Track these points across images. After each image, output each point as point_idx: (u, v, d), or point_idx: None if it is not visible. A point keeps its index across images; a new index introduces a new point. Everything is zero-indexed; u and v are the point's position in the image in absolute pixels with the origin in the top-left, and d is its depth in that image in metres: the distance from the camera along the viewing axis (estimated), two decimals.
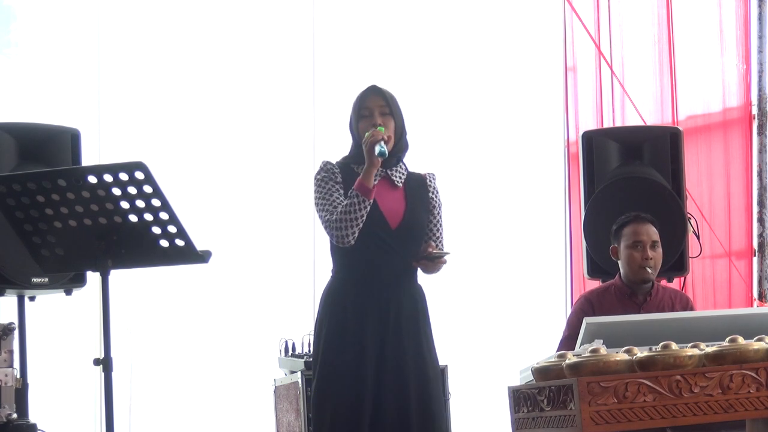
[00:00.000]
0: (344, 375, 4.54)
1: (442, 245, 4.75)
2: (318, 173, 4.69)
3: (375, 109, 4.66)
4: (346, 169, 4.69)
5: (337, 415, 4.52)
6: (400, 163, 4.75)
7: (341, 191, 4.62)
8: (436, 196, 4.78)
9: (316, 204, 4.65)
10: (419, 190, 4.73)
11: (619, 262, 5.57)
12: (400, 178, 4.73)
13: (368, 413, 4.52)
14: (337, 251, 4.67)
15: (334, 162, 4.72)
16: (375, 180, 4.61)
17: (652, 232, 5.53)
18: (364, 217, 4.54)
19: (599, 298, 5.55)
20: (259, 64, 7.25)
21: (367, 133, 4.59)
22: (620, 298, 5.52)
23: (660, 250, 5.54)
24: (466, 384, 6.72)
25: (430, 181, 4.79)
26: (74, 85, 6.96)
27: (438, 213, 4.76)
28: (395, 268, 4.64)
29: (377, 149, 4.54)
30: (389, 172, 4.67)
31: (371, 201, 4.56)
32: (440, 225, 4.78)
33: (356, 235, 4.54)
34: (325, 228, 4.60)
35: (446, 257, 4.68)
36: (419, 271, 4.72)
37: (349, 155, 4.74)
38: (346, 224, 4.52)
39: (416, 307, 4.66)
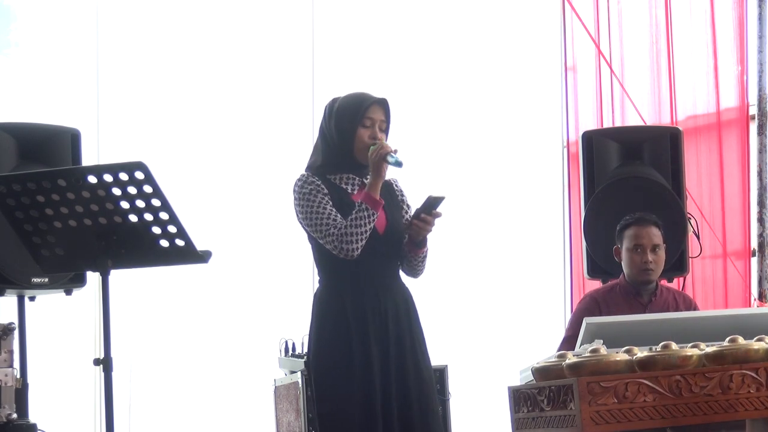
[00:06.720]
0: (353, 382, 4.49)
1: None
2: (302, 186, 4.58)
3: (377, 122, 4.59)
4: (322, 179, 4.60)
5: (349, 422, 4.49)
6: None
7: (331, 203, 4.57)
8: (404, 198, 4.75)
9: (308, 217, 4.54)
10: (390, 194, 4.68)
11: (622, 263, 5.58)
12: None
13: (380, 417, 4.50)
14: (327, 261, 4.60)
15: (309, 173, 4.63)
16: (355, 190, 4.61)
17: (654, 235, 5.51)
18: (371, 229, 4.53)
19: (605, 298, 5.56)
20: (259, 64, 7.25)
21: (372, 147, 4.53)
22: (626, 297, 5.52)
23: (662, 252, 5.54)
24: (466, 384, 6.72)
25: (396, 185, 4.76)
26: (74, 85, 6.96)
27: (407, 213, 4.72)
28: (387, 273, 4.62)
29: (391, 159, 4.49)
30: (365, 181, 4.60)
31: (378, 213, 4.53)
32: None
33: (362, 247, 4.50)
34: (328, 241, 4.50)
35: (443, 204, 4.53)
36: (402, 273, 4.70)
37: (323, 164, 4.63)
38: (355, 237, 4.47)
39: (408, 308, 4.65)
